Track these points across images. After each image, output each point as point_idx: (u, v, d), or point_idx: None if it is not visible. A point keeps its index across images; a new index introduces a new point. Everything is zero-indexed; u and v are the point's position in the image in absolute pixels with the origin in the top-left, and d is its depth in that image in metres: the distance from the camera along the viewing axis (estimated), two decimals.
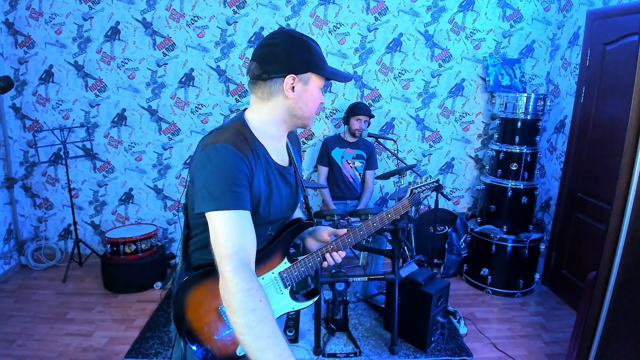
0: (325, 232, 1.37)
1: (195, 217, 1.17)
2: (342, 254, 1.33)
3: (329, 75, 1.18)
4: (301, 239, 1.42)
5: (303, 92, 1.15)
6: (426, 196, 1.51)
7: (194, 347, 1.15)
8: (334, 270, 2.52)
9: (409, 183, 1.50)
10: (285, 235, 1.28)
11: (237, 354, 1.17)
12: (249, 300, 0.97)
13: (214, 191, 1.03)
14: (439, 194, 2.96)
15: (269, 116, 1.17)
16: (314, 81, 1.15)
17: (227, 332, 1.17)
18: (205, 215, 1.05)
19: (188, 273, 1.21)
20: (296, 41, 1.13)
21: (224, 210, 1.03)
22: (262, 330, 0.96)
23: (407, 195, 1.45)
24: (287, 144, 1.29)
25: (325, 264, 1.32)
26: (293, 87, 1.13)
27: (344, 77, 1.24)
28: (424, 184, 1.48)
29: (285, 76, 1.11)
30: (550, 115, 3.73)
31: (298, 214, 1.44)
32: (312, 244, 1.39)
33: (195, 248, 1.24)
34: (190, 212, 1.19)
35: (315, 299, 1.37)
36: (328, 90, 3.68)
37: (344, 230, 1.34)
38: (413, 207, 1.54)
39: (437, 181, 1.53)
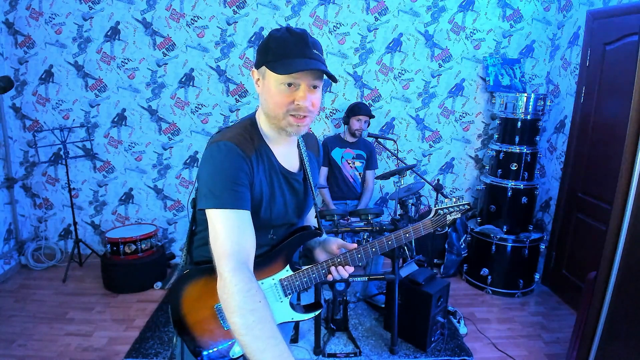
0: (334, 244, 1.31)
1: (199, 213, 1.18)
2: (350, 269, 1.26)
3: (276, 69, 1.05)
4: (310, 248, 1.38)
5: (263, 87, 1.11)
6: (454, 219, 1.35)
7: (188, 342, 1.15)
8: None
9: (435, 204, 1.39)
10: (290, 242, 1.24)
11: (231, 355, 1.16)
12: (248, 301, 0.96)
13: (214, 189, 1.04)
14: (439, 194, 2.96)
15: (262, 114, 1.17)
16: (270, 74, 1.07)
17: (221, 332, 1.16)
18: (206, 213, 1.05)
19: (189, 267, 1.22)
20: (269, 35, 1.10)
21: (223, 209, 1.03)
22: (262, 330, 0.95)
23: (431, 215, 1.33)
24: (301, 149, 1.26)
25: (329, 277, 1.25)
26: (258, 82, 1.13)
27: (288, 69, 1.03)
28: (451, 205, 1.33)
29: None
30: (550, 115, 3.73)
31: (311, 222, 1.40)
32: (320, 254, 1.34)
33: (199, 245, 1.24)
34: (197, 204, 1.20)
35: (317, 312, 1.32)
36: (328, 90, 3.68)
37: (354, 245, 1.28)
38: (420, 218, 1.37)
39: (469, 204, 1.36)
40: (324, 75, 1.09)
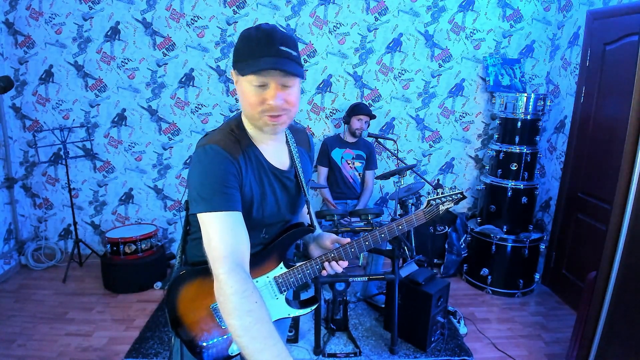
0: (328, 239, 1.31)
1: (192, 215, 1.18)
2: (344, 264, 1.25)
3: (242, 70, 1.03)
4: (305, 243, 1.38)
5: (239, 87, 1.10)
6: (447, 208, 1.30)
7: (186, 343, 1.16)
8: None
9: (428, 194, 1.30)
10: (283, 240, 1.25)
11: (229, 353, 1.18)
12: (244, 302, 0.96)
13: (203, 193, 1.04)
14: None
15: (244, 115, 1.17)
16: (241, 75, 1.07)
17: (218, 331, 1.17)
18: (198, 217, 1.05)
19: (185, 268, 1.22)
20: (240, 34, 1.09)
21: (214, 211, 1.02)
22: (259, 331, 0.95)
23: (423, 206, 1.30)
24: (290, 146, 1.26)
25: (324, 272, 1.25)
26: (236, 83, 1.12)
27: (248, 70, 1.02)
28: (444, 195, 1.29)
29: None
30: (550, 115, 3.72)
31: (304, 218, 1.40)
32: (314, 249, 1.34)
33: (193, 245, 1.24)
34: (189, 211, 1.20)
35: (313, 307, 1.32)
36: (328, 90, 3.68)
37: (348, 240, 1.27)
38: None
39: (462, 192, 1.31)
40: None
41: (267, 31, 1.04)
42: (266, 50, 1.02)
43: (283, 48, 1.03)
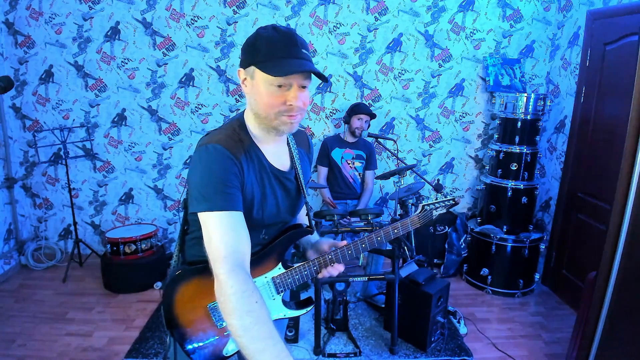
0: (326, 244, 1.32)
1: (190, 214, 1.18)
2: (340, 267, 1.26)
3: (269, 70, 1.03)
4: (303, 248, 1.39)
5: (252, 87, 1.10)
6: (439, 214, 1.39)
7: (181, 343, 1.15)
8: None
9: (423, 199, 1.41)
10: (282, 241, 1.25)
11: (224, 354, 1.17)
12: (245, 302, 0.97)
13: (205, 192, 1.03)
14: (439, 194, 2.96)
15: (250, 115, 1.16)
16: (259, 75, 1.06)
17: (214, 331, 1.17)
18: (198, 216, 1.05)
19: (182, 267, 1.22)
20: (256, 34, 1.09)
21: (215, 211, 1.02)
22: (259, 331, 0.95)
23: (418, 211, 1.35)
24: (290, 147, 1.26)
25: (321, 275, 1.26)
26: (245, 82, 1.12)
27: (281, 71, 1.02)
28: (438, 201, 1.36)
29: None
30: (550, 115, 3.73)
31: (302, 220, 1.40)
32: (312, 255, 1.34)
33: (192, 244, 1.24)
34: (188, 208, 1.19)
35: (309, 308, 1.33)
36: (328, 90, 3.68)
37: (344, 242, 1.28)
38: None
39: (454, 199, 1.40)
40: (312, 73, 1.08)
41: (288, 33, 1.06)
42: (291, 52, 1.04)
43: (304, 51, 1.06)
